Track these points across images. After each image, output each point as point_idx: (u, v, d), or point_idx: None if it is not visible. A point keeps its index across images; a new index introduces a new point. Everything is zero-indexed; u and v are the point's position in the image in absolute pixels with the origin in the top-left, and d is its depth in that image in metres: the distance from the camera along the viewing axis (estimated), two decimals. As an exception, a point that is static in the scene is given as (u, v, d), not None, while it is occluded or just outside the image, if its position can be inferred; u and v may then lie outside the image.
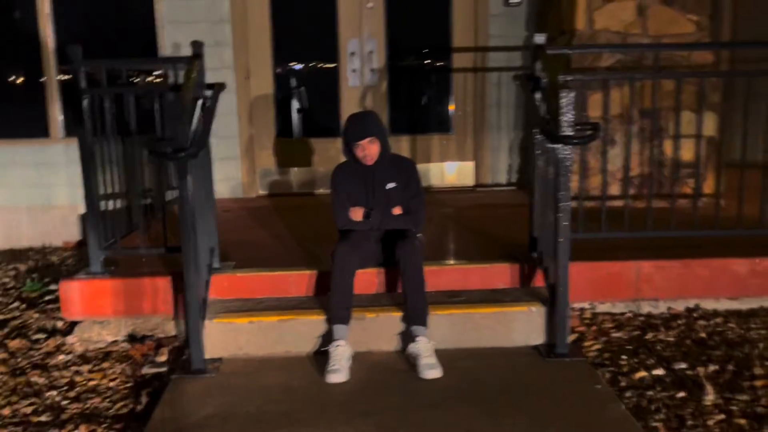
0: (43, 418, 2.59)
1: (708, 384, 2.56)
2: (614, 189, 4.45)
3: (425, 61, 5.49)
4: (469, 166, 5.46)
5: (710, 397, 2.48)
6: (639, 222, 3.40)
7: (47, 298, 3.89)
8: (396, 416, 2.43)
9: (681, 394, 2.53)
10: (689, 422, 2.34)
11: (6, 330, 3.45)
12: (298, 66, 5.48)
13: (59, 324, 3.47)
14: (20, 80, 5.38)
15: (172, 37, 5.14)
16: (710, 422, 2.33)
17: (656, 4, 4.50)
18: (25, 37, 5.20)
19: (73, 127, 5.28)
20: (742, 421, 2.33)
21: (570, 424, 2.33)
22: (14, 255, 5.05)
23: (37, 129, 5.27)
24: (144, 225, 3.45)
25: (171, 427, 2.42)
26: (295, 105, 5.46)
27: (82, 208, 5.29)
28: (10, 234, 5.32)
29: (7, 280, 4.34)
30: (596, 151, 4.38)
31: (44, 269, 4.56)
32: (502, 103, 5.36)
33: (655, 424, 2.34)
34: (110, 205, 3.45)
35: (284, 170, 5.47)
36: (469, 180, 5.47)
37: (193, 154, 2.71)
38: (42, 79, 5.25)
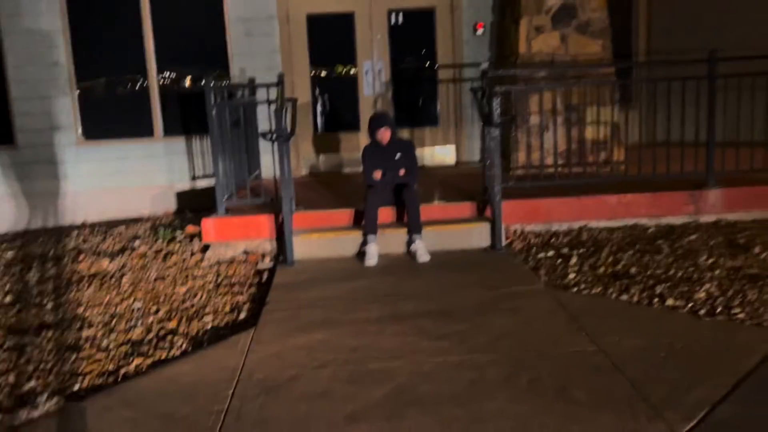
0: (209, 288, 4.71)
1: (574, 255, 4.68)
2: (549, 160, 6.54)
3: (419, 75, 7.59)
4: (452, 149, 7.58)
5: (573, 260, 4.61)
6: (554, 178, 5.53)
7: (178, 239, 6.00)
8: (405, 275, 4.57)
9: (559, 261, 4.65)
10: (559, 270, 4.47)
11: (163, 253, 5.57)
12: (328, 80, 7.60)
13: (195, 249, 5.58)
14: (132, 95, 7.49)
15: (239, 64, 7.27)
16: (569, 270, 4.46)
17: (574, 33, 6.60)
18: (135, 64, 7.33)
19: (170, 129, 7.43)
20: (586, 268, 4.45)
21: (498, 273, 4.46)
22: (131, 221, 7.17)
23: (144, 130, 7.39)
24: (257, 181, 5.54)
25: (285, 284, 4.54)
26: (322, 108, 7.59)
27: (177, 187, 7.46)
28: (125, 207, 7.43)
29: (141, 232, 6.46)
30: (535, 136, 6.48)
31: (162, 226, 6.66)
32: (474, 104, 7.44)
33: (542, 272, 4.47)
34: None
35: (319, 156, 7.59)
36: (451, 159, 7.59)
37: (288, 138, 4.85)
38: (148, 93, 7.36)
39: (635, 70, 7.98)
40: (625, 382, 2.89)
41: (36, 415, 2.97)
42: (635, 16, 8.28)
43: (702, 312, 3.63)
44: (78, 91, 7.35)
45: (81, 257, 5.56)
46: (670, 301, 3.80)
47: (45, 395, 3.14)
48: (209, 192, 7.28)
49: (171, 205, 7.48)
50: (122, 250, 5.74)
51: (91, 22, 7.27)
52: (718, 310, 3.65)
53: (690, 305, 3.74)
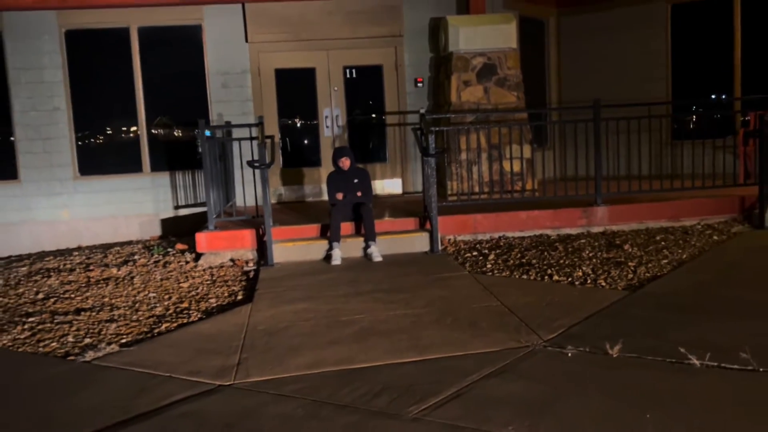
0: (207, 283, 5.91)
1: (492, 254, 6.11)
2: (476, 188, 8.03)
3: (370, 120, 9.07)
4: (398, 181, 9.03)
5: (491, 257, 6.03)
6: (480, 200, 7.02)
7: (171, 254, 7.15)
8: (364, 270, 5.89)
9: (480, 258, 6.07)
10: (480, 264, 5.88)
11: (162, 263, 6.72)
12: (294, 124, 8.99)
13: (188, 259, 6.76)
14: (124, 136, 8.69)
15: (217, 109, 8.59)
16: (487, 263, 5.87)
17: (494, 87, 8.23)
18: (127, 109, 8.55)
19: (156, 165, 8.62)
20: (500, 262, 5.88)
21: (434, 266, 5.83)
22: (124, 244, 8.26)
23: (134, 166, 8.57)
24: (233, 208, 6.80)
25: (269, 278, 5.78)
26: (288, 147, 8.95)
27: (162, 215, 8.61)
28: (116, 233, 8.52)
29: (136, 250, 7.57)
30: (465, 168, 7.99)
31: (154, 245, 7.78)
32: (416, 143, 8.93)
33: (467, 265, 5.86)
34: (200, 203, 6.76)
35: (286, 188, 8.90)
36: (398, 190, 9.03)
37: (269, 166, 6.17)
38: (137, 134, 8.57)
39: (548, 115, 9.69)
40: (515, 318, 4.27)
41: (101, 355, 4.12)
42: (548, 73, 10.06)
43: (577, 283, 5.08)
44: (75, 133, 8.50)
45: (91, 267, 6.65)
46: (555, 278, 5.24)
47: (103, 344, 4.29)
48: (190, 219, 8.53)
49: (156, 230, 8.61)
50: (125, 262, 6.86)
51: (89, 73, 8.50)
52: (588, 281, 5.11)
53: (569, 279, 5.19)
